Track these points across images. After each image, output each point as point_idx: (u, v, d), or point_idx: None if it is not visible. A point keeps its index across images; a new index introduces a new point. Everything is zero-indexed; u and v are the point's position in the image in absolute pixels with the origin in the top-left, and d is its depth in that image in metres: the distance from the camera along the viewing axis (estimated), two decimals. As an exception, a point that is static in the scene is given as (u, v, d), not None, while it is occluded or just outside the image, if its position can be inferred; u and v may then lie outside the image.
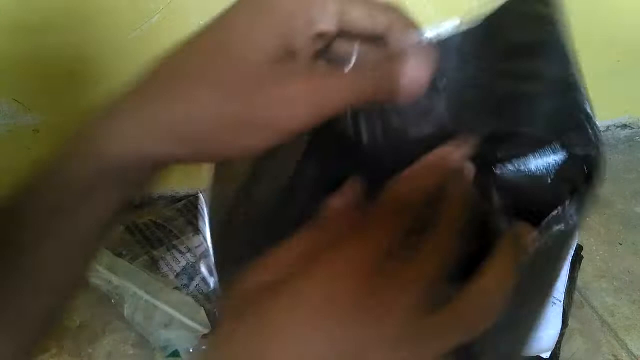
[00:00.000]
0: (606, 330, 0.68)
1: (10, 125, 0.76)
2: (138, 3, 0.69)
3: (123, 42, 0.71)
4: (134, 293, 0.69)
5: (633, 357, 0.65)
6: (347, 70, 0.23)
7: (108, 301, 0.71)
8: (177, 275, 0.72)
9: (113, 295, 0.70)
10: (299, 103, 0.20)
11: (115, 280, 0.69)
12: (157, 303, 0.67)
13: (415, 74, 0.22)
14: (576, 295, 0.69)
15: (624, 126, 1.16)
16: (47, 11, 0.67)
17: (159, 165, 0.23)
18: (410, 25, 0.24)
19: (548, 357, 0.58)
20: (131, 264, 0.72)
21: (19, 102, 0.75)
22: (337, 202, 0.24)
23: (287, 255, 0.21)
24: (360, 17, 0.22)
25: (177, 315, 0.66)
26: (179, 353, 0.64)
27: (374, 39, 0.23)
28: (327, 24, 0.21)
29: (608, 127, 1.15)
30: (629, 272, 0.78)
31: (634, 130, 1.17)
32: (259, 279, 0.20)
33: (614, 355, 0.65)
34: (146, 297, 0.68)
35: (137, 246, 0.76)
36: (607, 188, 0.98)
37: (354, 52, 0.24)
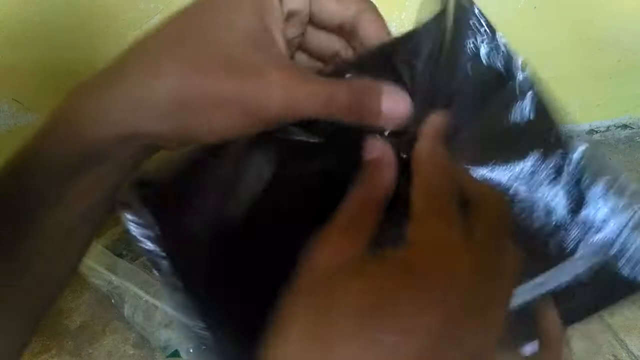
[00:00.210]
0: (606, 330, 0.68)
1: (10, 125, 0.76)
2: (138, 3, 0.69)
3: (123, 42, 0.71)
4: (134, 293, 0.69)
5: (633, 357, 0.65)
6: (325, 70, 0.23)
7: (108, 301, 0.71)
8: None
9: (113, 295, 0.70)
10: (275, 95, 0.19)
11: (115, 280, 0.69)
12: (157, 303, 0.67)
13: (398, 102, 0.21)
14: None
15: (624, 126, 1.16)
16: (48, 11, 0.67)
17: (146, 147, 0.22)
18: (379, 17, 0.23)
19: None
20: (131, 264, 0.72)
21: (19, 102, 0.75)
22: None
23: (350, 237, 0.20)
24: (331, 5, 0.22)
25: (177, 315, 0.66)
26: (179, 353, 0.64)
27: (345, 31, 0.23)
28: (297, 1, 0.21)
29: (608, 127, 1.15)
30: (629, 272, 0.78)
31: (634, 130, 1.17)
32: (328, 263, 0.20)
33: (614, 355, 0.65)
34: (146, 297, 0.68)
35: (137, 246, 0.76)
36: (607, 188, 0.98)
37: (335, 47, 0.23)
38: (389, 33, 0.23)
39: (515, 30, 1.00)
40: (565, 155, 0.28)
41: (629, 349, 0.66)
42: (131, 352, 0.68)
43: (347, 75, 0.22)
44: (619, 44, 0.99)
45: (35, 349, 0.69)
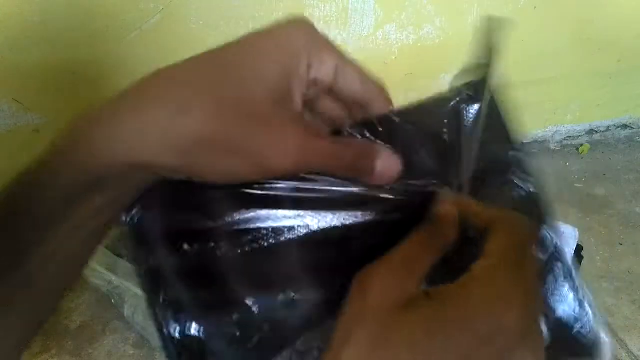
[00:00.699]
0: (606, 330, 0.68)
1: (10, 125, 0.76)
2: (138, 3, 0.69)
3: (123, 42, 0.71)
4: (134, 293, 0.69)
5: (633, 357, 0.65)
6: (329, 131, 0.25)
7: (108, 301, 0.71)
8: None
9: (113, 295, 0.70)
10: (290, 150, 0.21)
11: (115, 280, 0.69)
12: (157, 303, 0.67)
13: (391, 164, 0.24)
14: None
15: (624, 126, 1.16)
16: (48, 11, 0.67)
17: (153, 174, 0.23)
18: (389, 99, 0.26)
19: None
20: (131, 264, 0.72)
21: (19, 102, 0.75)
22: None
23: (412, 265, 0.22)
24: (354, 80, 0.24)
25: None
26: (179, 353, 0.64)
27: (355, 105, 0.25)
28: (324, 73, 0.23)
29: (608, 127, 1.15)
30: (629, 272, 0.78)
31: (634, 130, 1.17)
32: (387, 294, 0.21)
33: (614, 355, 0.65)
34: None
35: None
36: (607, 188, 0.98)
37: (342, 115, 0.26)
38: (395, 116, 0.26)
39: (515, 30, 1.00)
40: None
41: (629, 349, 0.66)
42: (131, 352, 0.68)
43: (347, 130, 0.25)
44: (619, 44, 0.99)
45: (35, 349, 0.69)
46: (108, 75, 0.74)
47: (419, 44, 0.85)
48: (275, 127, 0.21)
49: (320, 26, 0.79)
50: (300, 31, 0.23)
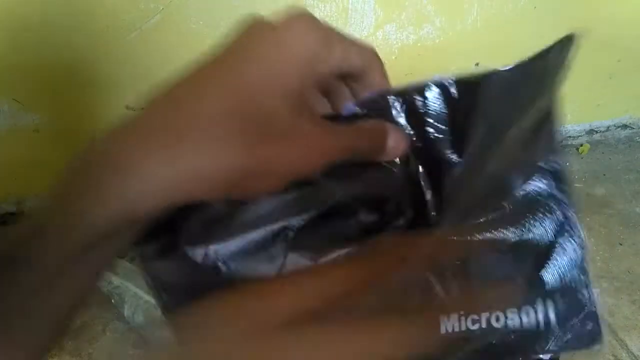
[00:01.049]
0: (606, 330, 0.68)
1: (10, 125, 0.76)
2: (138, 3, 0.69)
3: (123, 42, 0.71)
4: (134, 293, 0.69)
5: (633, 357, 0.65)
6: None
7: (108, 301, 0.71)
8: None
9: (113, 295, 0.70)
10: (315, 157, 0.22)
11: (115, 280, 0.69)
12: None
13: (399, 139, 0.25)
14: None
15: (624, 126, 1.16)
16: (48, 11, 0.67)
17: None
18: (384, 68, 0.26)
19: (548, 358, 0.58)
20: (131, 264, 0.72)
21: (19, 102, 0.75)
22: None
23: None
24: (354, 57, 0.24)
25: (177, 315, 0.66)
26: (179, 353, 0.64)
27: (350, 77, 0.25)
28: (331, 64, 0.23)
29: (608, 127, 1.15)
30: (629, 272, 0.78)
31: (634, 130, 1.17)
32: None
33: (614, 355, 0.65)
34: (146, 297, 0.68)
35: (137, 246, 0.76)
36: (607, 188, 0.98)
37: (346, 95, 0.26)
38: (388, 82, 0.26)
39: (515, 30, 1.00)
40: None
41: (629, 349, 0.66)
42: (131, 352, 0.68)
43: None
44: (619, 44, 0.99)
45: (35, 349, 0.69)
46: (108, 75, 0.74)
47: (419, 44, 0.85)
48: (298, 138, 0.21)
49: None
50: (306, 31, 0.22)
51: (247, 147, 0.20)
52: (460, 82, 0.26)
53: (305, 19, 0.22)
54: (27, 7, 0.66)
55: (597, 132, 1.15)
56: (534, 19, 0.88)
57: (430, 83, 0.26)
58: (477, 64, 0.92)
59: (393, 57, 0.85)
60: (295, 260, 0.28)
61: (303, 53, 0.21)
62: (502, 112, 0.28)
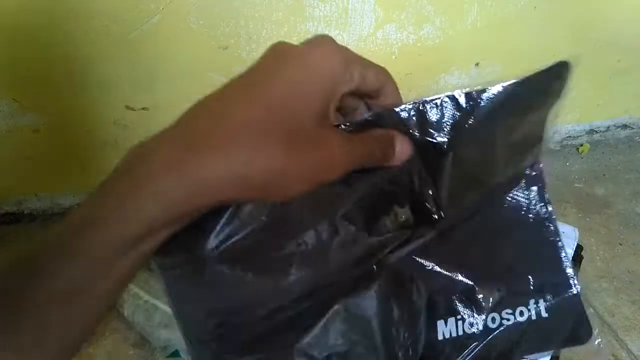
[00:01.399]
0: (606, 330, 0.68)
1: (10, 125, 0.76)
2: (138, 3, 0.69)
3: (123, 42, 0.71)
4: (134, 293, 0.69)
5: (633, 357, 0.65)
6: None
7: (108, 301, 0.71)
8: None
9: (113, 295, 0.70)
10: (338, 164, 0.25)
11: (115, 280, 0.69)
12: (157, 303, 0.67)
13: (405, 146, 0.29)
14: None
15: (624, 126, 1.16)
16: (47, 11, 0.67)
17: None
18: (397, 87, 0.29)
19: (549, 358, 0.58)
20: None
21: (18, 102, 0.75)
22: None
23: None
24: (371, 78, 0.27)
25: (177, 315, 0.66)
26: (179, 353, 0.64)
27: (366, 95, 0.28)
28: (352, 85, 0.26)
29: (608, 127, 1.15)
30: (629, 272, 0.78)
31: (634, 130, 1.17)
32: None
33: (614, 355, 0.65)
34: (146, 297, 0.68)
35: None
36: (607, 188, 0.98)
37: (362, 110, 0.29)
38: (401, 99, 0.29)
39: (515, 30, 1.00)
40: None
41: (629, 349, 0.66)
42: (131, 352, 0.68)
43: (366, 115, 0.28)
44: (619, 44, 0.99)
45: (35, 349, 0.69)
46: (108, 75, 0.74)
47: (419, 44, 0.85)
48: (324, 147, 0.24)
49: (320, 26, 0.79)
50: (328, 54, 0.25)
51: (283, 151, 0.22)
52: (469, 95, 0.28)
53: (328, 44, 0.25)
54: (27, 7, 0.66)
55: (597, 132, 1.15)
56: (534, 19, 0.88)
57: (440, 95, 0.28)
58: (477, 64, 0.92)
59: (393, 57, 0.85)
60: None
61: (327, 75, 0.24)
62: (498, 123, 0.31)
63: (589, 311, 0.39)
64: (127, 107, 0.78)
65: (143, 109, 0.79)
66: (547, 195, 0.37)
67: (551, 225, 0.37)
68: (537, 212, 0.36)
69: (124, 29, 0.70)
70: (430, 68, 0.90)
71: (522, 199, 0.36)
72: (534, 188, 0.36)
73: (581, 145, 1.12)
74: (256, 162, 0.22)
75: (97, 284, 0.22)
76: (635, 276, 0.77)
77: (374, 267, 0.33)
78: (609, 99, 1.09)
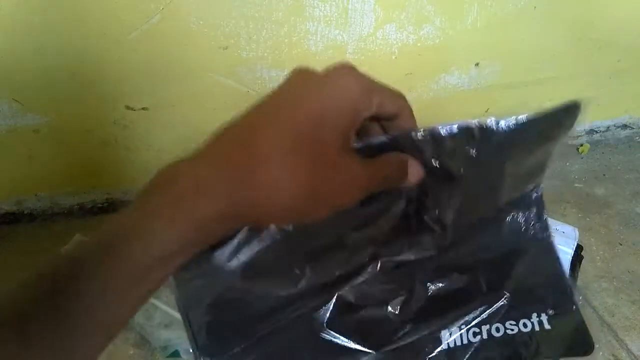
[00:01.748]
0: (606, 330, 0.68)
1: (10, 125, 0.76)
2: (138, 3, 0.69)
3: (123, 42, 0.71)
4: (134, 293, 0.69)
5: (633, 357, 0.65)
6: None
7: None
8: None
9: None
10: (357, 190, 0.26)
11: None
12: (157, 303, 0.67)
13: (417, 170, 0.30)
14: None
15: (624, 126, 1.16)
16: (47, 12, 0.67)
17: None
18: (412, 112, 0.29)
19: (548, 357, 0.58)
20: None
21: (19, 102, 0.75)
22: None
23: None
24: (389, 103, 0.27)
25: (177, 315, 0.66)
26: (179, 353, 0.64)
27: (383, 118, 0.29)
28: (372, 111, 0.26)
29: (608, 127, 1.15)
30: (629, 272, 0.78)
31: (634, 130, 1.17)
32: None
33: (614, 355, 0.65)
34: (146, 297, 0.68)
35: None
36: (607, 188, 0.98)
37: (379, 134, 0.30)
38: (416, 123, 0.30)
39: (515, 30, 1.00)
40: None
41: (629, 349, 0.66)
42: (131, 352, 0.68)
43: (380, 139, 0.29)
44: (619, 44, 0.99)
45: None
46: (108, 75, 0.74)
47: (419, 44, 0.85)
48: (346, 172, 0.25)
49: (320, 26, 0.79)
50: (351, 83, 0.25)
51: (309, 177, 0.23)
52: (483, 127, 0.29)
53: (350, 73, 0.26)
54: (27, 8, 0.66)
55: (597, 132, 1.15)
56: (534, 19, 0.88)
57: (455, 124, 0.29)
58: (477, 64, 0.92)
59: (393, 57, 0.85)
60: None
61: (350, 103, 0.25)
62: (508, 154, 0.32)
63: (594, 319, 0.41)
64: (127, 107, 0.78)
65: (143, 109, 0.79)
66: (545, 217, 0.39)
67: (550, 245, 0.39)
68: (536, 232, 0.39)
69: (123, 29, 0.70)
70: (430, 68, 0.90)
71: (521, 220, 0.39)
72: (534, 209, 0.39)
73: (581, 145, 1.12)
74: (284, 188, 0.23)
75: (125, 298, 0.23)
76: (635, 276, 0.77)
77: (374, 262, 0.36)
78: (609, 99, 1.09)
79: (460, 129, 0.29)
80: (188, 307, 0.32)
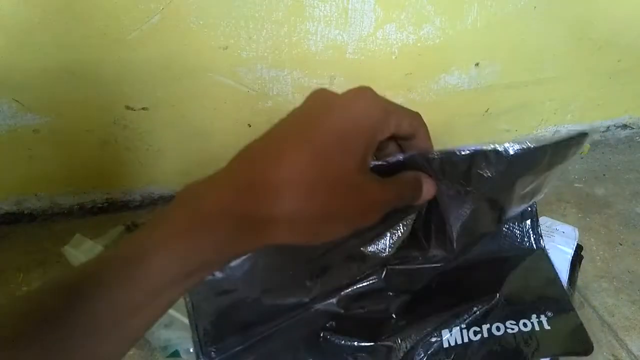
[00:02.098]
0: (606, 330, 0.67)
1: (10, 125, 0.76)
2: (138, 3, 0.69)
3: (123, 42, 0.71)
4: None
5: (633, 357, 0.65)
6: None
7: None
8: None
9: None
10: (376, 210, 0.26)
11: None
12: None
13: (431, 186, 0.31)
14: (576, 295, 0.69)
15: (624, 126, 1.16)
16: (47, 11, 0.67)
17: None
18: (428, 132, 0.30)
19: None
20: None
21: (19, 102, 0.75)
22: None
23: None
24: (406, 124, 0.28)
25: (177, 315, 0.66)
26: (179, 353, 0.64)
27: (399, 137, 0.29)
28: (389, 133, 0.27)
29: (608, 127, 1.15)
30: (629, 272, 0.78)
31: (634, 130, 1.17)
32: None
33: (613, 355, 0.65)
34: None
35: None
36: (607, 188, 0.98)
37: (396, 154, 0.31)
38: (431, 142, 0.31)
39: (515, 30, 1.00)
40: None
41: (629, 349, 0.66)
42: (131, 352, 0.68)
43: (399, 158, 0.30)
44: (619, 44, 0.99)
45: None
46: (108, 75, 0.74)
47: (419, 44, 0.85)
48: (365, 193, 0.25)
49: (320, 26, 0.79)
50: (370, 106, 0.26)
51: (328, 199, 0.24)
52: (498, 152, 0.31)
53: (369, 96, 0.26)
54: (27, 8, 0.66)
55: (597, 132, 1.15)
56: (534, 19, 0.88)
57: (471, 149, 0.31)
58: (477, 64, 0.92)
59: (393, 57, 0.85)
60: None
61: (367, 125, 0.25)
62: (517, 177, 0.34)
63: (594, 319, 0.43)
64: (127, 107, 0.78)
65: (143, 109, 0.79)
66: (539, 229, 0.43)
67: (544, 253, 0.43)
68: (531, 243, 0.43)
69: (123, 29, 0.70)
70: (430, 68, 0.90)
71: (517, 231, 0.42)
72: (528, 222, 0.43)
73: (581, 145, 1.12)
74: (304, 211, 0.23)
75: (140, 313, 0.23)
76: (635, 276, 0.77)
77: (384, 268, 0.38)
78: (609, 99, 1.09)
79: (476, 152, 0.30)
80: (196, 306, 0.33)
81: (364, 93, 0.26)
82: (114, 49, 0.72)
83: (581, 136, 0.34)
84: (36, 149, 0.80)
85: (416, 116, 0.29)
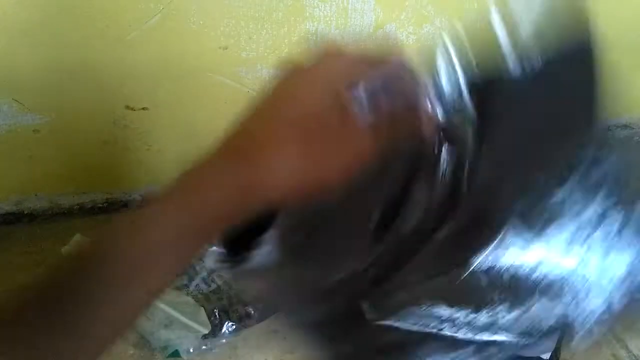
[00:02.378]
0: (606, 330, 0.68)
1: (10, 125, 0.76)
2: (138, 3, 0.69)
3: (123, 42, 0.71)
4: (134, 293, 0.69)
5: (633, 357, 0.65)
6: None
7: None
8: (177, 275, 0.72)
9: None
10: (368, 146, 0.27)
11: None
12: (157, 303, 0.67)
13: (428, 121, 0.30)
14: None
15: (624, 126, 1.17)
16: (47, 11, 0.67)
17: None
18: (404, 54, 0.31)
19: (548, 357, 0.58)
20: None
21: (19, 102, 0.75)
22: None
23: None
24: (377, 69, 0.29)
25: (177, 315, 0.66)
26: (179, 353, 0.64)
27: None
28: (361, 81, 0.27)
29: (608, 127, 1.15)
30: (629, 272, 0.78)
31: (634, 130, 1.17)
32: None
33: (613, 355, 0.65)
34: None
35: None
36: (607, 188, 0.98)
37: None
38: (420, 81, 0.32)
39: (515, 30, 0.99)
40: None
41: (629, 349, 0.66)
42: (131, 352, 0.68)
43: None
44: (619, 44, 0.99)
45: (35, 349, 0.69)
46: (108, 75, 0.74)
47: (419, 44, 0.85)
48: (351, 138, 0.26)
49: (320, 26, 0.79)
50: (329, 66, 0.28)
51: (307, 146, 0.25)
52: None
53: (329, 57, 0.28)
54: (27, 7, 0.66)
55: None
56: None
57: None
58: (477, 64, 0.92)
59: (393, 57, 0.85)
60: None
61: (331, 84, 0.27)
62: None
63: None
64: (127, 107, 0.78)
65: (143, 109, 0.79)
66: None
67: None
68: None
69: (123, 29, 0.70)
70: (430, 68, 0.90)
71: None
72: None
73: (581, 145, 1.12)
74: (287, 163, 0.25)
75: (151, 271, 0.24)
76: (635, 276, 0.77)
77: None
78: (609, 99, 1.09)
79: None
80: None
81: (326, 57, 0.28)
82: (114, 49, 0.72)
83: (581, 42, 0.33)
84: (36, 149, 0.79)
85: (387, 57, 0.30)
